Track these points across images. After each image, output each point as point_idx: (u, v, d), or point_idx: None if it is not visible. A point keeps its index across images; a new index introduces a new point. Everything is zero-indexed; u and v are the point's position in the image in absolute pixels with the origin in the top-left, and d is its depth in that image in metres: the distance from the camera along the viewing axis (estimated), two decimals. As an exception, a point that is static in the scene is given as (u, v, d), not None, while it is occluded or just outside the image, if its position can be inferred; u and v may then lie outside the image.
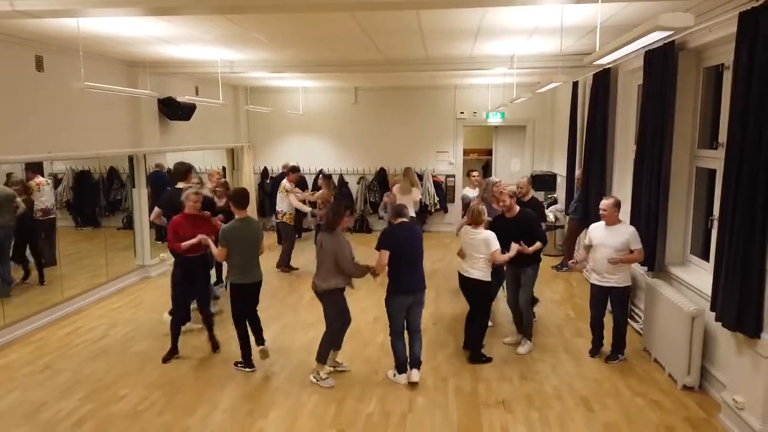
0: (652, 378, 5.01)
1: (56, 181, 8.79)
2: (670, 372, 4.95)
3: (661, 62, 5.23)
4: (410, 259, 4.86)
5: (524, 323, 5.62)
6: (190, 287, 5.49)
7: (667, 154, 5.26)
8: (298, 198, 8.59)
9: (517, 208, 5.48)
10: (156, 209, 6.32)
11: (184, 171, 6.40)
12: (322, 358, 4.96)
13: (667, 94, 5.16)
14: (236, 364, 5.25)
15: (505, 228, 5.40)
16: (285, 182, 8.61)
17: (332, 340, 5.03)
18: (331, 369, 5.10)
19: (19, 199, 6.85)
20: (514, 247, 5.24)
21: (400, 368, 4.97)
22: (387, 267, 4.81)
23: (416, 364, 4.96)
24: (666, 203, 5.35)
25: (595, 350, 5.50)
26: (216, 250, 5.15)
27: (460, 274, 5.29)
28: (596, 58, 3.62)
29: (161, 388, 4.85)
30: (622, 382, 4.95)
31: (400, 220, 4.96)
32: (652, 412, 4.41)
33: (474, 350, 5.32)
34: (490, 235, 5.12)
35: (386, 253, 4.77)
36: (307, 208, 8.58)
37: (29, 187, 7.17)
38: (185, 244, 5.16)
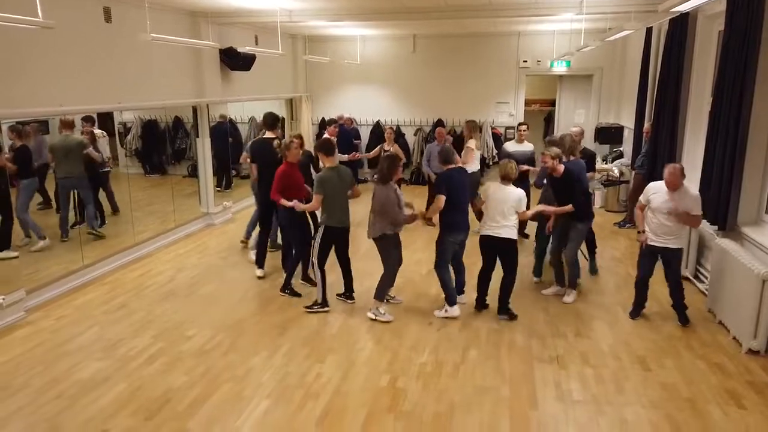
0: (715, 340, 4.86)
1: (125, 130, 9.18)
2: (735, 335, 4.79)
3: (747, 5, 4.81)
4: (462, 202, 5.25)
5: (570, 275, 5.71)
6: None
7: (746, 107, 4.92)
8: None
9: (562, 167, 5.45)
10: (245, 153, 6.50)
11: (273, 121, 6.47)
12: (380, 296, 5.31)
13: (751, 41, 4.77)
14: (308, 307, 5.48)
15: (553, 185, 5.66)
16: (327, 136, 8.14)
17: (390, 280, 5.34)
18: (385, 301, 5.44)
19: (91, 149, 7.23)
20: (537, 208, 5.58)
21: (453, 300, 5.32)
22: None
23: (462, 288, 5.57)
24: (742, 159, 5.04)
25: (636, 312, 5.31)
26: (307, 207, 5.44)
27: (487, 237, 5.24)
28: (674, 5, 3.36)
29: (225, 330, 5.12)
30: (683, 343, 4.83)
31: (450, 165, 5.24)
32: (713, 375, 4.30)
33: (503, 302, 5.35)
34: (522, 193, 5.21)
35: (443, 198, 5.08)
36: (345, 157, 8.15)
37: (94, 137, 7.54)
38: (283, 202, 5.48)
